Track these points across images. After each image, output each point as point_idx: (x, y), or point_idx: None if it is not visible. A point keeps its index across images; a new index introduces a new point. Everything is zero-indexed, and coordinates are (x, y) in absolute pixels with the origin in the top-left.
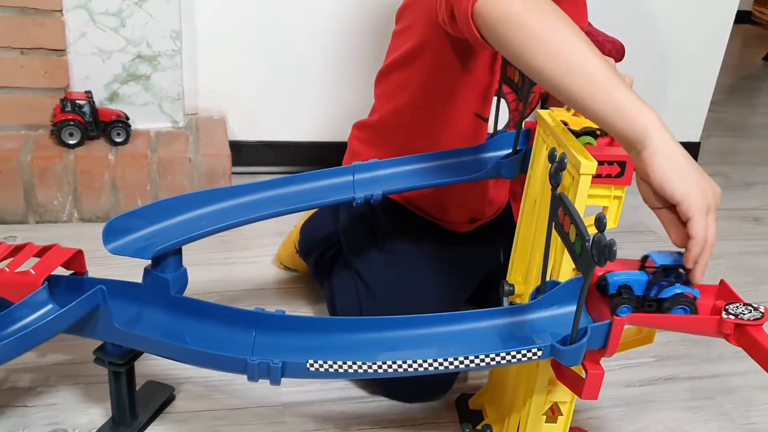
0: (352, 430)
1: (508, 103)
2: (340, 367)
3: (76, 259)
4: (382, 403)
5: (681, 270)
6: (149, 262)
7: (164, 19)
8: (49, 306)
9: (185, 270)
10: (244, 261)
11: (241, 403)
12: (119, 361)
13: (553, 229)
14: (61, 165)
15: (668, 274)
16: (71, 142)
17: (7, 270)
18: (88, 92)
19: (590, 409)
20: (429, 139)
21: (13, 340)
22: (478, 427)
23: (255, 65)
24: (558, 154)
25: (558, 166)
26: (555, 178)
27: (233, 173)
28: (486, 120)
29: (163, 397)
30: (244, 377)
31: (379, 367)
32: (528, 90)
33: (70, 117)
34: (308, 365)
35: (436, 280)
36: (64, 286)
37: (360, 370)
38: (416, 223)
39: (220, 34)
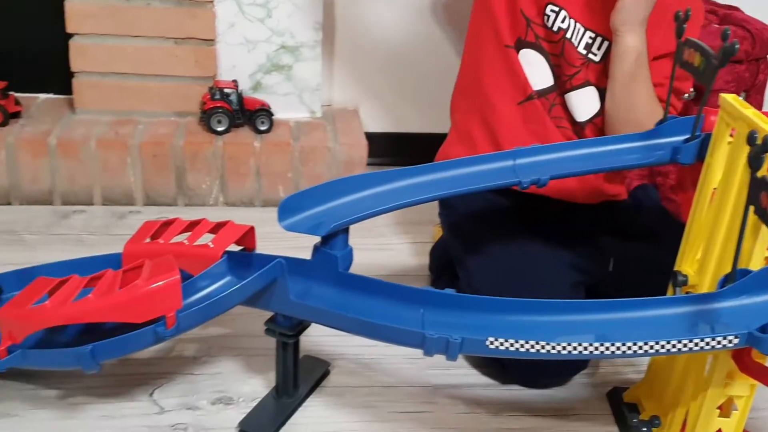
0: (503, 415)
1: (552, 66)
2: (522, 346)
3: (248, 236)
4: (531, 391)
5: None
6: (312, 240)
7: (308, 10)
8: (228, 278)
9: (351, 249)
10: (380, 248)
11: (392, 381)
12: (289, 333)
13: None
14: (211, 151)
15: None
16: (219, 129)
17: (187, 243)
18: (235, 81)
19: (753, 409)
20: (474, 79)
21: (200, 308)
22: (645, 419)
23: (388, 57)
24: (759, 136)
25: (760, 148)
26: (756, 161)
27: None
28: (510, 47)
29: (320, 371)
30: (395, 356)
31: (563, 348)
32: (712, 74)
33: (219, 105)
34: (488, 343)
35: (545, 287)
36: (235, 261)
37: (542, 350)
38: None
39: (357, 26)
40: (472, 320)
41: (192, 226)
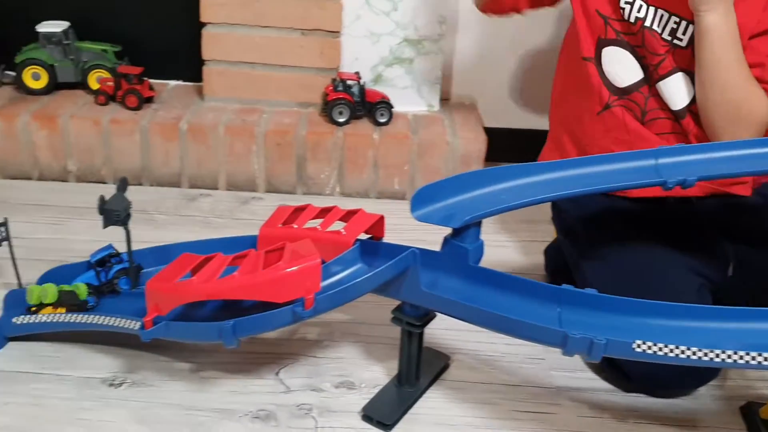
0: (629, 422)
1: (639, 58)
2: (671, 351)
3: (377, 225)
4: (658, 400)
5: None
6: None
7: (434, 3)
8: (359, 265)
9: (482, 242)
10: (491, 245)
11: (513, 380)
12: (416, 322)
13: None
14: (331, 141)
15: None
16: (340, 120)
17: (320, 229)
18: (358, 73)
19: None
20: (561, 91)
21: (337, 291)
22: None
23: (508, 52)
24: None
25: None
26: None
27: None
28: (588, 59)
29: (440, 364)
30: (516, 355)
31: (717, 356)
32: None
33: (341, 96)
34: (635, 346)
35: (670, 292)
36: (367, 248)
37: (692, 357)
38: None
39: (479, 20)
40: (615, 322)
41: (324, 212)
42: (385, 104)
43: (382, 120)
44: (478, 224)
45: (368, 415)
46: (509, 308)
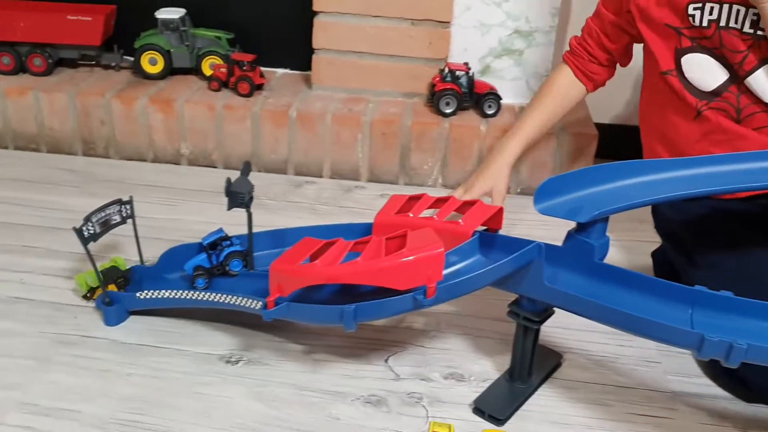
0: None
1: (720, 58)
2: None
3: (496, 216)
4: None
5: None
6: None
7: None
8: (477, 256)
9: (608, 239)
10: None
11: (628, 382)
12: (534, 318)
13: None
14: (437, 131)
15: None
16: (447, 111)
17: (436, 219)
18: (467, 64)
19: None
20: (647, 105)
21: (458, 282)
22: None
23: None
24: None
25: None
26: None
27: None
28: (668, 72)
29: (552, 362)
30: (630, 357)
31: None
32: None
33: (449, 87)
34: None
35: None
36: (486, 240)
37: None
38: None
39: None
40: (753, 326)
41: (440, 202)
42: (494, 96)
43: (490, 112)
44: (606, 220)
45: (480, 408)
46: (638, 307)
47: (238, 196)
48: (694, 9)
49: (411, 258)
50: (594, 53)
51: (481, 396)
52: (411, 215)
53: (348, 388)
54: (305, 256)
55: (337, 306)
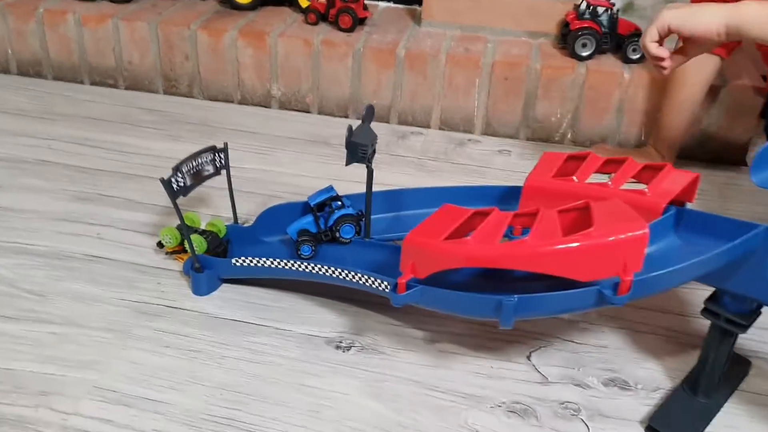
0: None
1: None
2: None
3: (690, 187)
4: None
5: None
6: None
7: None
8: (671, 238)
9: None
10: None
11: None
12: (740, 320)
13: None
14: (570, 78)
15: None
16: (584, 53)
17: (611, 186)
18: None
19: None
20: None
21: (660, 275)
22: None
23: None
24: None
25: None
26: None
27: None
28: None
29: (741, 371)
30: None
31: None
32: None
33: (587, 25)
34: None
35: None
36: (683, 218)
37: None
38: None
39: None
40: None
41: (613, 164)
42: (640, 37)
43: (635, 56)
44: None
45: (656, 428)
46: None
47: (360, 149)
48: None
49: (607, 240)
50: None
51: (658, 413)
52: (576, 179)
53: (485, 390)
54: (448, 228)
55: (491, 296)
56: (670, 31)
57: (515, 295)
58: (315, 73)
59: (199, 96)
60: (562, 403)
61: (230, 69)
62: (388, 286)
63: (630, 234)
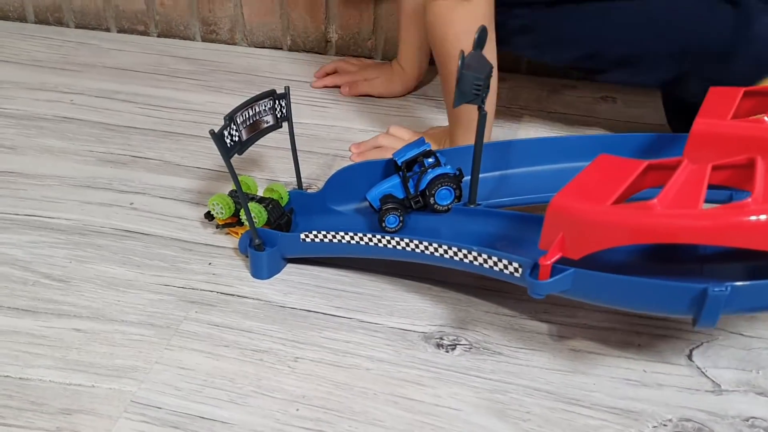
0: None
1: None
2: None
3: None
4: None
5: None
6: None
7: None
8: None
9: None
10: None
11: None
12: None
13: None
14: None
15: None
16: None
17: None
18: None
19: None
20: None
21: None
22: None
23: None
24: None
25: None
26: None
27: None
28: None
29: None
30: None
31: None
32: None
33: None
34: None
35: None
36: None
37: None
38: None
39: None
40: None
41: None
42: None
43: None
44: None
45: None
46: None
47: (474, 84)
48: None
49: None
50: None
51: None
52: (766, 118)
53: (642, 404)
54: (617, 188)
55: (686, 285)
56: None
57: (724, 284)
58: (377, 13)
59: (242, 42)
60: (747, 420)
61: (278, 10)
62: (520, 269)
63: None
